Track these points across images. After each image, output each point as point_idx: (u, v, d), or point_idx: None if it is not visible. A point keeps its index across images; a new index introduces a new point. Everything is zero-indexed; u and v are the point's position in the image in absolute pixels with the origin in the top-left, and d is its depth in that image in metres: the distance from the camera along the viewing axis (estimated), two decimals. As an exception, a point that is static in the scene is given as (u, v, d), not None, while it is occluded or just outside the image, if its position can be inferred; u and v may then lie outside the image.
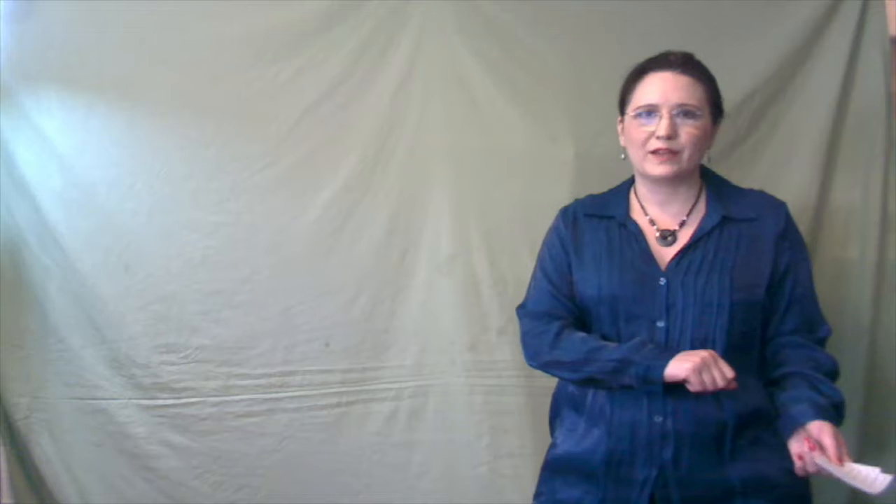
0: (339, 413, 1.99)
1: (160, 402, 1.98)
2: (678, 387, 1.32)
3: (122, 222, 1.95)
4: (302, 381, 1.98)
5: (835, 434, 1.28)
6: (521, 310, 1.56)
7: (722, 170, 1.94)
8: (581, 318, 1.49)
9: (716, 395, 1.33)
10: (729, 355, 1.34)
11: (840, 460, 1.25)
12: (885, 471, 1.23)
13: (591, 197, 1.56)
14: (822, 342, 1.46)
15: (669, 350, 1.35)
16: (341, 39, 1.95)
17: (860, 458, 1.90)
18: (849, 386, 1.91)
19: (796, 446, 1.31)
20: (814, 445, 1.28)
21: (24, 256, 1.96)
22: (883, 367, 1.93)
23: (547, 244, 1.56)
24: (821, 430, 1.29)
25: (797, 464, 1.30)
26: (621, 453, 1.39)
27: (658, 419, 1.36)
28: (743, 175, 1.96)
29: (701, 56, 1.91)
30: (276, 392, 1.99)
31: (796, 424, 1.32)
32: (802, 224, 1.92)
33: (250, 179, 1.96)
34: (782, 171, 1.95)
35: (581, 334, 1.44)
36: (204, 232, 1.96)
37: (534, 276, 1.57)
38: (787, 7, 1.92)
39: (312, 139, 1.96)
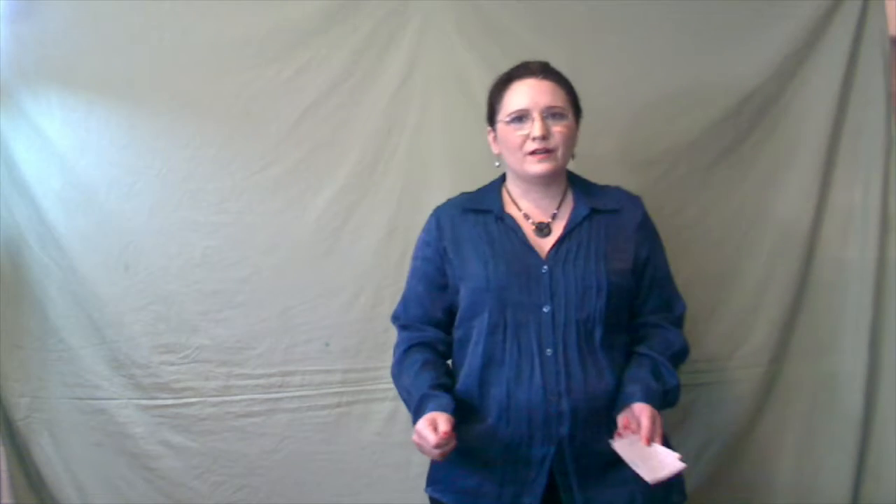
0: (339, 413, 1.99)
1: (160, 402, 1.98)
2: (570, 365, 1.44)
3: (122, 222, 1.95)
4: (302, 381, 1.99)
5: (652, 416, 1.38)
6: (396, 321, 1.65)
7: (722, 170, 1.96)
8: (452, 319, 1.57)
9: (599, 373, 1.44)
10: (606, 334, 1.47)
11: (648, 440, 1.35)
12: (683, 459, 1.34)
13: (464, 194, 1.63)
14: (678, 319, 1.59)
15: (431, 401, 1.43)
16: (341, 39, 1.95)
17: (861, 458, 1.93)
18: (849, 386, 1.94)
19: (619, 422, 1.42)
20: (627, 424, 1.40)
21: (24, 256, 1.96)
22: (883, 367, 1.93)
23: (416, 249, 1.63)
24: (642, 411, 1.39)
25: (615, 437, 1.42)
26: (519, 437, 1.45)
27: (553, 398, 1.43)
28: (743, 175, 1.97)
29: (701, 56, 1.94)
30: (276, 392, 1.99)
31: (625, 403, 1.43)
32: (802, 224, 1.94)
33: (250, 179, 1.96)
34: (782, 170, 1.95)
35: (418, 357, 1.54)
36: (204, 232, 1.96)
37: (406, 283, 1.64)
38: (787, 7, 1.92)
39: (312, 139, 1.96)
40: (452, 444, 1.37)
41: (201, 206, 1.96)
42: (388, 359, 1.96)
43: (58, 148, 1.93)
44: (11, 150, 1.93)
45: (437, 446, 1.35)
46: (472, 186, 1.93)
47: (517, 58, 1.91)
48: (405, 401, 1.53)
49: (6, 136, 1.93)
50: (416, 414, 1.43)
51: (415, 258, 1.63)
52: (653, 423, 1.37)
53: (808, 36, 1.92)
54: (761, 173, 1.96)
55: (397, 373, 1.58)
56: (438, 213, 1.61)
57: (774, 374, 1.97)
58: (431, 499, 1.58)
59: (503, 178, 1.61)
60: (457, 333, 1.56)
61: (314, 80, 1.95)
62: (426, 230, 1.61)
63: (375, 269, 1.97)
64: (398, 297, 1.96)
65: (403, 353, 1.59)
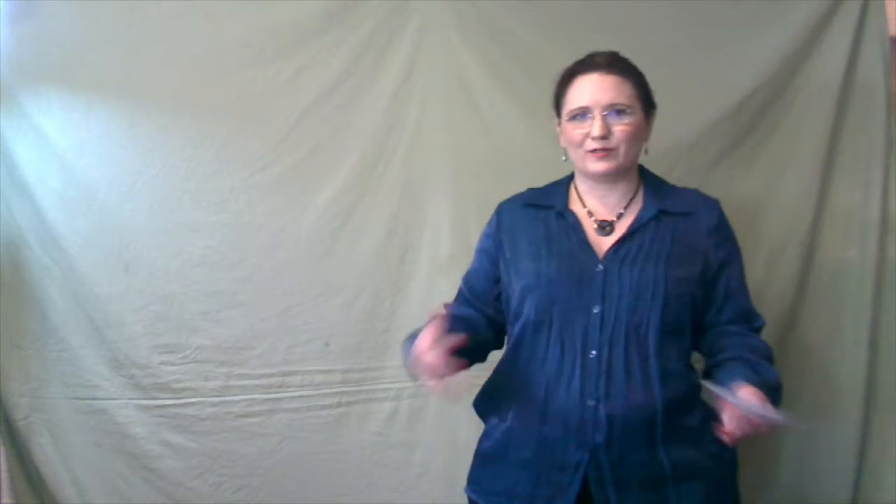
0: (339, 413, 1.99)
1: (160, 402, 1.98)
2: (612, 371, 1.38)
3: (122, 222, 1.95)
4: (302, 381, 1.99)
5: (757, 392, 1.27)
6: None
7: (722, 169, 1.96)
8: (499, 311, 1.55)
9: (647, 381, 1.37)
10: (661, 341, 1.39)
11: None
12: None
13: (532, 189, 1.60)
14: (758, 331, 1.51)
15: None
16: (341, 39, 1.95)
17: (861, 459, 1.93)
18: (849, 386, 1.93)
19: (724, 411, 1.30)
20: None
21: (24, 256, 1.96)
22: (883, 367, 1.93)
23: (479, 241, 1.62)
24: (744, 388, 1.28)
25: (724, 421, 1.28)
26: (554, 440, 1.41)
27: (591, 403, 1.38)
28: (743, 175, 1.97)
29: (701, 55, 1.94)
30: (276, 392, 1.99)
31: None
32: (802, 224, 1.94)
33: (250, 179, 1.96)
34: (782, 171, 1.95)
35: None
36: (204, 232, 1.96)
37: (465, 274, 1.64)
38: (787, 7, 1.92)
39: (312, 139, 1.96)
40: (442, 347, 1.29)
41: (201, 206, 1.96)
42: (387, 359, 1.99)
43: (58, 148, 1.94)
44: (11, 150, 1.93)
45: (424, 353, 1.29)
46: (471, 186, 1.95)
47: (517, 58, 1.93)
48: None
49: (6, 136, 1.93)
50: (405, 352, 1.39)
51: (476, 249, 1.62)
52: (759, 397, 1.24)
53: (808, 36, 1.91)
54: (761, 173, 1.96)
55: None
56: (501, 207, 1.58)
57: (774, 373, 1.97)
58: (470, 499, 1.55)
59: (573, 174, 1.58)
60: (511, 330, 1.52)
61: (314, 80, 1.95)
62: (488, 223, 1.60)
63: (375, 269, 1.97)
64: (398, 297, 1.99)
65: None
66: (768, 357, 1.44)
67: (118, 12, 1.92)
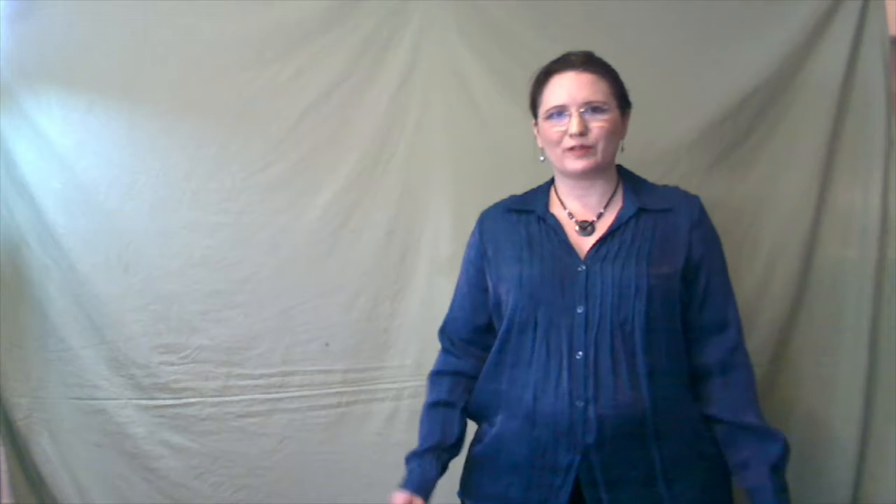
0: (339, 413, 1.99)
1: (160, 402, 1.98)
2: (599, 371, 1.38)
3: (122, 222, 1.95)
4: (302, 381, 1.99)
5: None
6: (441, 336, 1.64)
7: (722, 170, 1.96)
8: (492, 325, 1.55)
9: (634, 380, 1.38)
10: (648, 338, 1.40)
11: None
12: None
13: (513, 196, 1.61)
14: (733, 351, 1.49)
15: (416, 469, 1.48)
16: (341, 39, 1.95)
17: (861, 460, 1.93)
18: (849, 386, 1.93)
19: None
20: None
21: (24, 256, 1.96)
22: (883, 367, 1.93)
23: (464, 255, 1.62)
24: None
25: None
26: (544, 442, 1.42)
27: (580, 405, 1.38)
28: (743, 175, 1.97)
29: (701, 55, 1.94)
30: (276, 392, 1.99)
31: None
32: (802, 224, 1.94)
33: (250, 179, 1.96)
34: (782, 171, 1.95)
35: (442, 390, 1.57)
36: (204, 232, 1.96)
37: (455, 289, 1.64)
38: (787, 7, 1.92)
39: (312, 139, 1.96)
40: None
41: (201, 206, 1.96)
42: (388, 359, 2.00)
43: (58, 148, 1.93)
44: (11, 150, 1.93)
45: None
46: (472, 186, 1.95)
47: (517, 58, 1.92)
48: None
49: (6, 136, 1.93)
50: (406, 470, 1.49)
51: (463, 261, 1.63)
52: None
53: (808, 36, 1.91)
54: (761, 173, 1.96)
55: (427, 400, 1.60)
56: (483, 216, 1.60)
57: (774, 374, 1.97)
58: (462, 503, 1.56)
59: (553, 179, 1.59)
60: (497, 331, 1.53)
61: (314, 80, 1.95)
62: (472, 232, 1.61)
63: (375, 269, 1.97)
64: (398, 297, 1.99)
65: (433, 377, 1.61)
66: (755, 396, 1.47)
67: (118, 12, 1.92)
